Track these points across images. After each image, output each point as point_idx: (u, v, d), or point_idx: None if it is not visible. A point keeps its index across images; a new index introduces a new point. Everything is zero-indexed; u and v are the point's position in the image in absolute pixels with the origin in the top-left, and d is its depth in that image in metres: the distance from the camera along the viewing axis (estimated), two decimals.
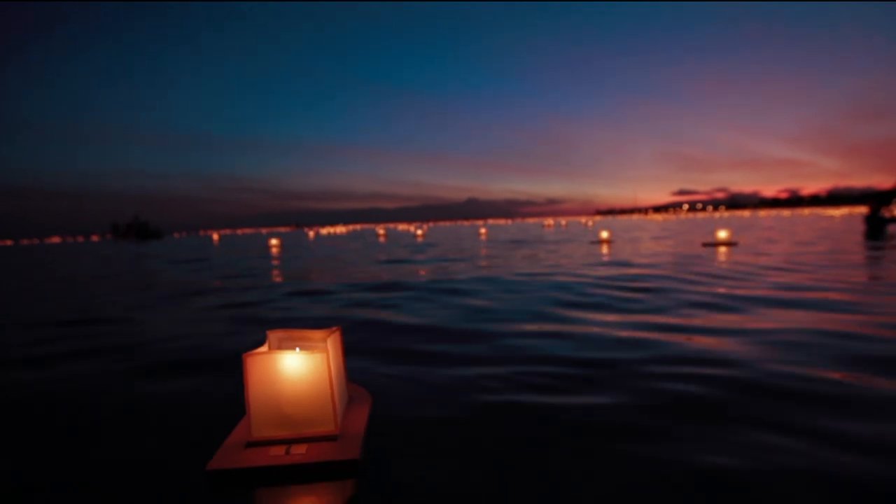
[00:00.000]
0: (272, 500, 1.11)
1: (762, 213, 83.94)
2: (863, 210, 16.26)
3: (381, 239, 18.58)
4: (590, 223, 37.46)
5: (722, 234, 9.51)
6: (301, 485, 1.16)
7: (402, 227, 70.95)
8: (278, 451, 1.26)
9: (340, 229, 70.77)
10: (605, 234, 12.35)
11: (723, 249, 8.05)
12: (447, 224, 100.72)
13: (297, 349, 1.36)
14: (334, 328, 1.48)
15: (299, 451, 1.25)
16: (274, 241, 17.35)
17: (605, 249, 9.18)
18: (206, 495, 1.14)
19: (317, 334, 1.45)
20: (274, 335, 1.47)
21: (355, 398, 1.61)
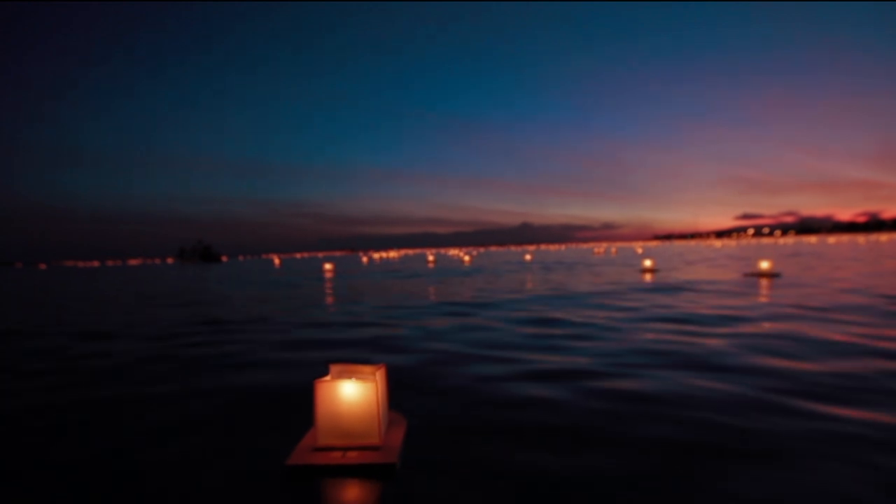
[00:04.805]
0: (331, 489, 1.45)
1: (832, 238, 77.12)
2: None
3: (431, 265, 17.85)
4: (639, 249, 36.45)
5: (764, 265, 9.35)
6: (352, 479, 1.51)
7: (452, 252, 72.28)
8: (337, 455, 1.60)
9: (393, 254, 72.78)
10: (648, 263, 12.70)
11: (764, 282, 7.68)
12: (499, 249, 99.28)
13: (353, 379, 1.69)
14: (381, 364, 1.79)
15: (352, 455, 1.59)
16: (328, 266, 16.82)
17: (648, 277, 9.51)
18: (285, 484, 1.50)
19: (367, 368, 1.73)
20: (335, 368, 1.76)
21: (395, 420, 1.97)
